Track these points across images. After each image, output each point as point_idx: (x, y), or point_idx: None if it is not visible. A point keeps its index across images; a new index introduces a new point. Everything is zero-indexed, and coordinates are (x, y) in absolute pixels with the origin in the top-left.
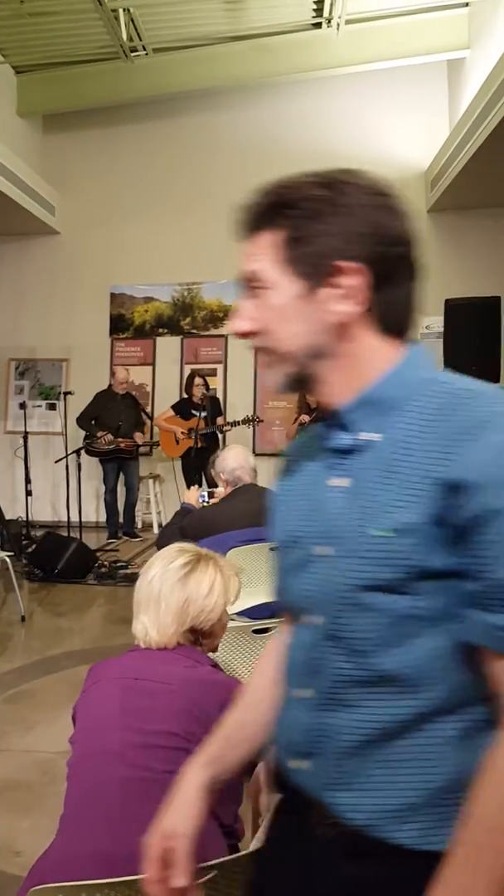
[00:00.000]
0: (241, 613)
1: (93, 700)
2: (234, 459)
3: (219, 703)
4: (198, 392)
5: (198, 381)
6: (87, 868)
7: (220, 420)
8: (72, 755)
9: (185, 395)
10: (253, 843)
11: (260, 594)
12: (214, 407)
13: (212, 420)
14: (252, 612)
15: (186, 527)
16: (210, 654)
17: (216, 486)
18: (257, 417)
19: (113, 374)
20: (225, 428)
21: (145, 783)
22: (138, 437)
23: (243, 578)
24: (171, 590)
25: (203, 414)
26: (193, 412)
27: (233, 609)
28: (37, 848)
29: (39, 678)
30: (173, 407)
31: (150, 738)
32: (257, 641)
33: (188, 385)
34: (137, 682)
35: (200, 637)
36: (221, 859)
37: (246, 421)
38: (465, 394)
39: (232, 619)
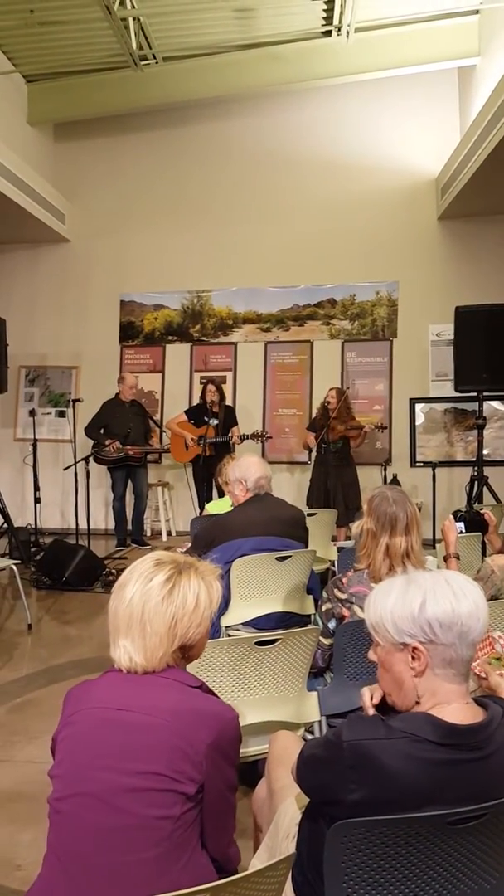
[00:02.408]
0: (246, 624)
1: (72, 732)
2: (257, 469)
3: (209, 736)
4: (209, 399)
5: (210, 388)
6: None
7: (234, 430)
8: (53, 792)
9: (201, 401)
10: (253, 860)
11: (265, 604)
12: (229, 416)
13: (224, 430)
14: (257, 622)
15: (200, 532)
16: (211, 668)
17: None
18: (266, 433)
19: (122, 379)
20: (233, 440)
21: (130, 831)
22: (153, 442)
23: (249, 588)
24: (155, 610)
25: (214, 422)
26: (205, 419)
27: (238, 619)
28: (38, 861)
29: (45, 687)
30: (186, 412)
31: (136, 779)
32: (260, 653)
33: (203, 392)
34: (120, 712)
35: (189, 650)
36: (213, 883)
37: (255, 436)
38: None
39: (237, 630)
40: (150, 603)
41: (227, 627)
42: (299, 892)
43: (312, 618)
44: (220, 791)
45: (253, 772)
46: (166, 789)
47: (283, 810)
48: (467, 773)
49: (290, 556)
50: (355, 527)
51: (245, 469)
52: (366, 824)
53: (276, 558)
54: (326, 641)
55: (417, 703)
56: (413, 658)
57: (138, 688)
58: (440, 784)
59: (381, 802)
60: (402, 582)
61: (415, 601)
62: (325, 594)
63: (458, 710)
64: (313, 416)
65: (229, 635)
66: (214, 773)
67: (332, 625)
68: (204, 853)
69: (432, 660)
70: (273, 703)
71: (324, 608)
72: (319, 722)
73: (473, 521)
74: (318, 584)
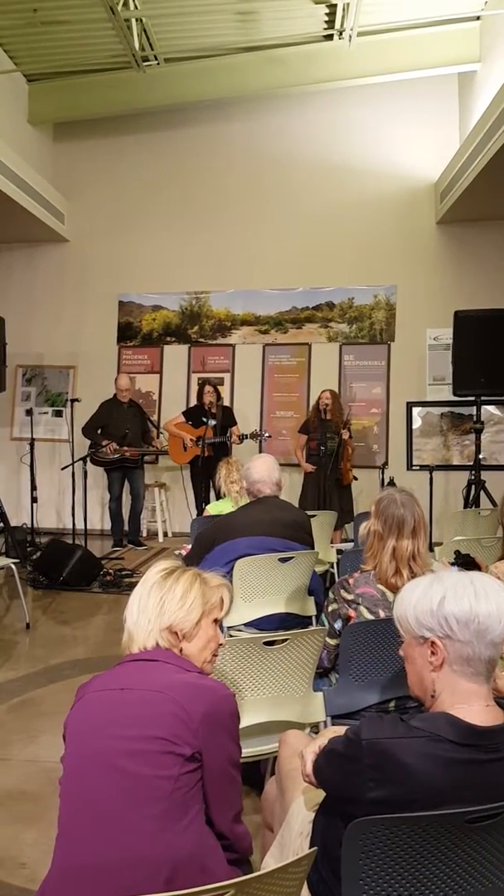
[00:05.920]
0: (248, 624)
1: (79, 715)
2: (257, 472)
3: (204, 706)
4: (207, 400)
5: (207, 389)
6: (83, 881)
7: (234, 430)
8: (63, 773)
9: (199, 402)
10: (266, 858)
11: (267, 605)
12: (226, 417)
13: (222, 430)
14: (259, 623)
15: (203, 532)
16: (217, 667)
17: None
18: (265, 432)
19: (115, 380)
20: (232, 440)
21: (132, 790)
22: (157, 444)
23: (251, 589)
24: (148, 592)
25: (212, 423)
26: (203, 420)
27: (240, 620)
28: (42, 859)
29: (44, 686)
30: (184, 413)
31: (136, 743)
32: (267, 653)
33: (199, 393)
34: (123, 692)
35: (182, 640)
36: (237, 879)
37: (254, 436)
38: None
39: (239, 630)
40: (145, 589)
41: (229, 628)
42: (314, 889)
43: (313, 620)
44: (219, 762)
45: (256, 772)
46: (165, 751)
47: (295, 808)
48: (485, 774)
49: (292, 558)
50: (363, 527)
51: (245, 470)
52: (384, 822)
53: (279, 559)
54: (332, 642)
55: (433, 697)
56: (432, 653)
57: (140, 671)
58: (458, 783)
59: (399, 801)
60: (430, 579)
61: (435, 596)
62: (331, 594)
63: (478, 712)
64: (308, 418)
65: (231, 636)
66: (212, 742)
67: (338, 625)
68: (209, 829)
69: (449, 655)
70: (279, 703)
71: (330, 608)
72: (325, 722)
73: (466, 564)
74: (321, 585)
